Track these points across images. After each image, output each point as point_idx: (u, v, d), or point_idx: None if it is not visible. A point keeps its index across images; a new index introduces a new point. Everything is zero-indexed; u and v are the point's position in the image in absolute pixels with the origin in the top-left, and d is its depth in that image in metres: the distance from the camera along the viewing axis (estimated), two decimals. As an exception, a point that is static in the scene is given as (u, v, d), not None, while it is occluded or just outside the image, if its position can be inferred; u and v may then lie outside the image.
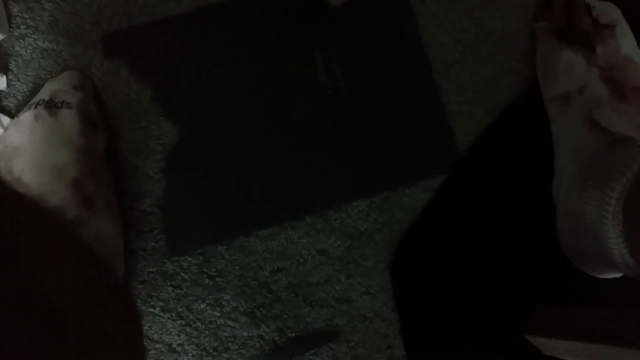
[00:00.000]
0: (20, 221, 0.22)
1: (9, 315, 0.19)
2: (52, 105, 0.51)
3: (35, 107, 0.51)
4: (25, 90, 0.57)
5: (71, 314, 0.22)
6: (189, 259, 0.56)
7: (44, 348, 0.20)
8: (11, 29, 0.57)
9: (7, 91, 0.56)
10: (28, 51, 0.57)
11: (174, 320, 0.56)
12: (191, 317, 0.56)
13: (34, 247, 0.22)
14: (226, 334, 0.56)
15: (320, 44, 0.57)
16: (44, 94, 0.52)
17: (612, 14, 0.52)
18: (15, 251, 0.20)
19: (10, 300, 0.19)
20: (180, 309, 0.56)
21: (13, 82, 0.57)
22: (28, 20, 0.57)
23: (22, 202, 0.24)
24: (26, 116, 0.51)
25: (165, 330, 0.56)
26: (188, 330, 0.56)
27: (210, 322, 0.56)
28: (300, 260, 0.57)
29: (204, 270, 0.56)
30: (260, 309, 0.56)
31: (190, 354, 0.56)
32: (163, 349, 0.56)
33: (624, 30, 0.52)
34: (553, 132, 0.54)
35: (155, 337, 0.56)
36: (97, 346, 0.24)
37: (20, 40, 0.57)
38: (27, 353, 0.19)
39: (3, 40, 0.56)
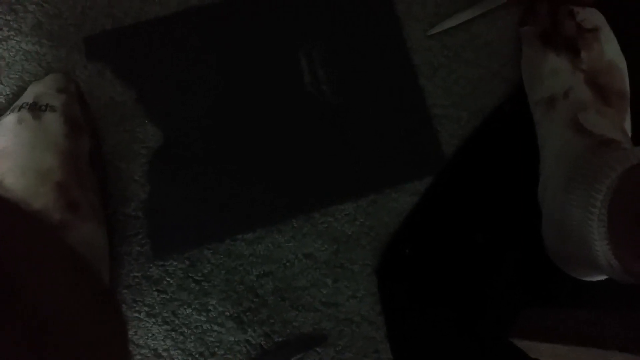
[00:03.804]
0: (0, 224, 0.22)
1: None
2: (36, 109, 0.51)
3: (19, 110, 0.50)
4: (8, 93, 0.56)
5: (55, 319, 0.22)
6: (175, 263, 0.56)
7: (26, 354, 0.20)
8: (-6, 31, 0.56)
9: (-11, 94, 0.56)
10: (11, 54, 0.56)
11: (159, 325, 0.55)
12: (177, 322, 0.55)
13: (16, 251, 0.22)
14: (212, 339, 0.56)
15: (305, 48, 0.57)
16: (27, 97, 0.52)
17: (596, 19, 0.53)
18: None
19: None
20: (165, 314, 0.55)
21: (-5, 85, 0.56)
22: (11, 23, 0.56)
23: (3, 206, 0.24)
24: (9, 119, 0.50)
25: (150, 335, 0.55)
26: (174, 336, 0.55)
27: (196, 327, 0.56)
28: (287, 264, 0.56)
29: (190, 274, 0.56)
30: (247, 314, 0.56)
31: (176, 359, 0.55)
32: (148, 354, 0.55)
33: (608, 36, 0.53)
34: (538, 135, 0.54)
35: (141, 342, 0.55)
36: (82, 352, 0.24)
37: (3, 43, 0.56)
38: (9, 356, 0.19)
39: (-15, 42, 0.56)
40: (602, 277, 0.51)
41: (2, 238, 0.21)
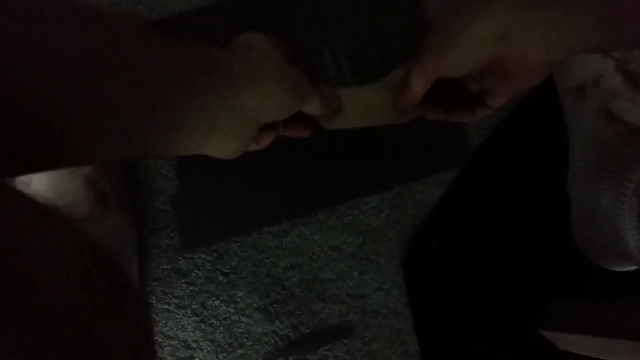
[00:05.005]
0: (13, 218, 0.22)
1: (1, 315, 0.19)
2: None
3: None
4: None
5: (70, 313, 0.22)
6: (203, 256, 0.56)
7: (39, 349, 0.20)
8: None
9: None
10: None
11: (188, 317, 0.56)
12: (206, 313, 0.56)
13: (29, 245, 0.22)
14: (241, 330, 0.56)
15: (329, 40, 0.57)
16: None
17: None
18: (7, 249, 0.20)
19: (1, 300, 0.19)
20: (194, 306, 0.56)
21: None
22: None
23: (15, 199, 0.24)
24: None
25: (180, 326, 0.56)
26: (203, 327, 0.56)
27: (225, 319, 0.56)
28: (313, 256, 0.57)
29: (218, 267, 0.56)
30: (274, 305, 0.56)
31: (205, 350, 0.56)
32: (178, 346, 0.56)
33: (640, 21, 0.52)
34: (568, 124, 0.54)
35: (171, 333, 0.56)
36: (99, 345, 0.24)
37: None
38: (21, 355, 0.19)
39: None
40: (633, 268, 0.50)
41: (12, 232, 0.21)
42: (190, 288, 0.56)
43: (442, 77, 0.36)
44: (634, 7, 0.29)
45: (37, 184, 0.49)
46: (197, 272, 0.56)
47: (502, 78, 0.35)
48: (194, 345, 0.56)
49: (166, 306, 0.56)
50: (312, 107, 0.42)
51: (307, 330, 0.56)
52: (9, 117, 0.24)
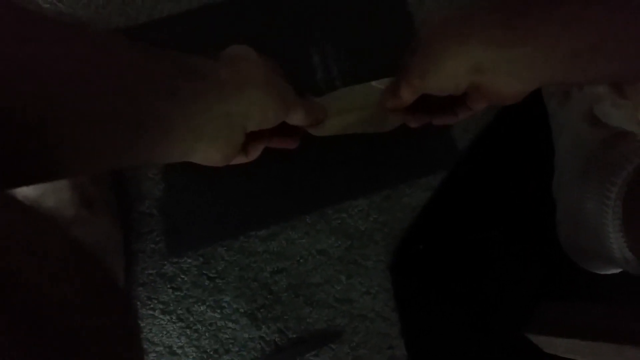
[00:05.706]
0: (2, 219, 0.22)
1: None
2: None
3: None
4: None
5: (58, 310, 0.22)
6: (189, 260, 0.56)
7: (23, 341, 0.20)
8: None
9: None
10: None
11: (174, 323, 0.55)
12: (191, 319, 0.55)
13: (19, 245, 0.22)
14: (227, 336, 0.56)
15: (318, 43, 0.57)
16: None
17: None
18: None
19: None
20: (180, 311, 0.55)
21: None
22: (25, 22, 0.57)
23: (4, 201, 0.24)
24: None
25: (165, 332, 0.55)
26: (188, 333, 0.55)
27: (211, 324, 0.56)
28: (301, 260, 0.56)
29: (204, 271, 0.56)
30: (261, 310, 0.56)
31: (191, 357, 0.55)
32: (163, 352, 0.55)
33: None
34: (553, 128, 0.54)
35: (155, 339, 0.55)
36: (84, 339, 0.24)
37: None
38: (6, 346, 0.19)
39: None
40: (617, 270, 0.51)
41: (4, 234, 0.21)
42: (176, 293, 0.56)
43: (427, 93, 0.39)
44: (592, 48, 0.31)
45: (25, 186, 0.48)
46: (183, 276, 0.56)
47: (482, 97, 0.38)
48: (179, 351, 0.55)
49: (151, 312, 0.55)
50: (297, 117, 0.43)
51: (294, 336, 0.56)
52: (3, 133, 0.24)
